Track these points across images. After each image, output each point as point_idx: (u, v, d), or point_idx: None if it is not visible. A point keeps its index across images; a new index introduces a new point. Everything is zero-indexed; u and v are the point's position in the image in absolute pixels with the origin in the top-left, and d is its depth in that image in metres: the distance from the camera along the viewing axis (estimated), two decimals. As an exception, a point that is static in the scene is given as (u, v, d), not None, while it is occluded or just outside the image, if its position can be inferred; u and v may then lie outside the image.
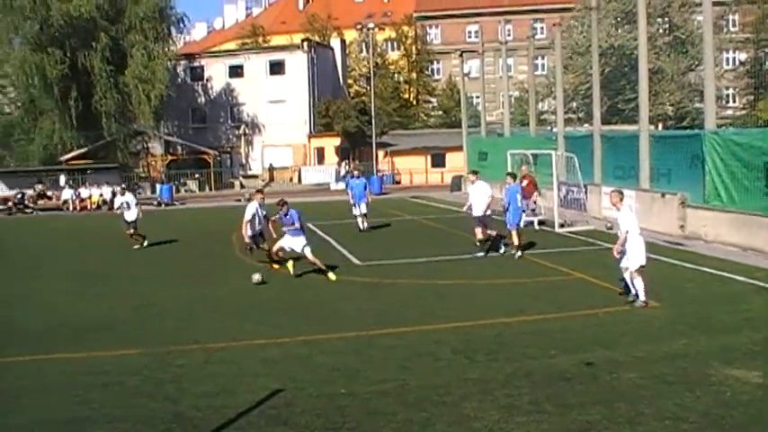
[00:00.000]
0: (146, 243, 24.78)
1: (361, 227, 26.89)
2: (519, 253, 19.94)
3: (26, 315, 14.90)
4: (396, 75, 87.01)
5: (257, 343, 11.88)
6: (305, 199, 48.19)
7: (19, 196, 51.15)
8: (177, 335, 12.77)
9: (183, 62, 73.29)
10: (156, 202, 51.62)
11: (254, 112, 71.39)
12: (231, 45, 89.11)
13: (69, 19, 59.29)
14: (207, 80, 73.23)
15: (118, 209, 25.56)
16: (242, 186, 64.94)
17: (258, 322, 13.45)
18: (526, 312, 13.33)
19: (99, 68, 60.61)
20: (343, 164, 63.92)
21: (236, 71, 72.67)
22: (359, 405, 8.75)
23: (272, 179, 68.41)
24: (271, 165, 69.46)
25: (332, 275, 17.35)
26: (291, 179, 67.32)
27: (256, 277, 16.77)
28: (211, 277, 18.58)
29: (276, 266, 18.67)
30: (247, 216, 19.40)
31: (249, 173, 70.44)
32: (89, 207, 49.83)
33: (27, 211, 49.39)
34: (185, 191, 64.05)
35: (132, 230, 24.83)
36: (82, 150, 61.38)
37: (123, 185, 28.85)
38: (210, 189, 64.79)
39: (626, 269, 13.49)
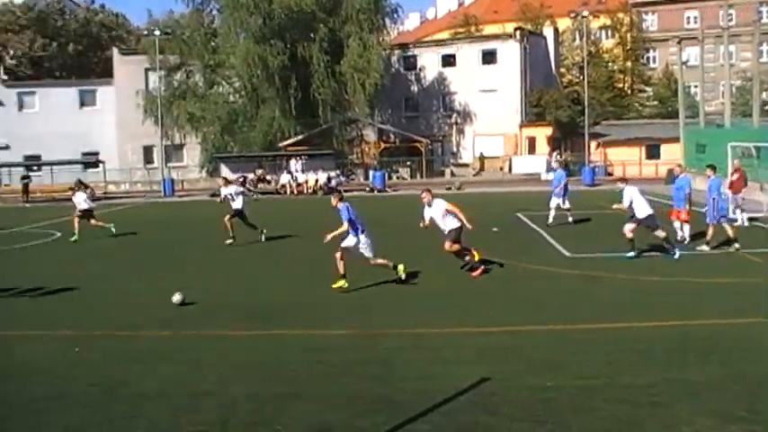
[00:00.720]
0: (232, 239, 24.06)
1: (549, 220, 25.99)
2: (706, 248, 19.60)
3: (245, 292, 15.74)
4: (610, 63, 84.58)
5: (463, 331, 12.03)
6: (514, 188, 48.09)
7: (241, 180, 53.87)
8: (386, 318, 13.16)
9: (396, 52, 74.47)
10: (368, 188, 53.01)
11: (466, 101, 71.54)
12: (444, 35, 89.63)
13: (290, 12, 61.70)
14: (420, 69, 74.06)
15: (223, 200, 25.59)
16: (452, 175, 65.47)
17: (465, 311, 13.60)
18: (743, 313, 12.70)
19: (317, 58, 62.71)
20: (554, 154, 63.12)
21: (448, 60, 73.07)
22: (565, 399, 8.69)
23: (482, 168, 68.51)
24: (481, 154, 69.50)
25: (341, 283, 15.55)
26: (502, 168, 67.10)
27: (176, 297, 14.56)
28: (419, 264, 18.85)
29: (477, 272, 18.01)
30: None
31: (460, 161, 70.83)
32: (305, 191, 51.80)
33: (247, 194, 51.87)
34: (397, 178, 65.21)
35: (229, 217, 24.40)
36: (299, 137, 63.75)
37: (225, 177, 28.63)
38: (422, 177, 65.59)
39: None
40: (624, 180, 20.38)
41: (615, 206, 19.75)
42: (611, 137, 65.15)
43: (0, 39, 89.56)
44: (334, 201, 16.08)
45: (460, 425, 8.02)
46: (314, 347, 11.37)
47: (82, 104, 75.47)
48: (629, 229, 18.88)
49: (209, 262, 21.25)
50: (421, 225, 17.34)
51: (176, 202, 50.04)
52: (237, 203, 24.58)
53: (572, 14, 67.88)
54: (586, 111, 57.54)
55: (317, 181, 52.75)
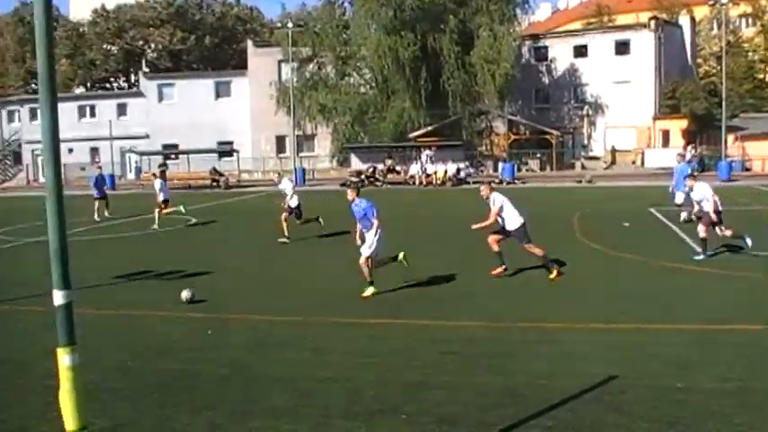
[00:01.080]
0: (286, 237, 23.29)
1: (681, 217, 24.82)
2: None
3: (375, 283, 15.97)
4: (750, 53, 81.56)
5: (591, 327, 11.85)
6: (647, 183, 47.00)
7: (371, 170, 54.61)
8: (514, 310, 13.09)
9: (527, 43, 73.74)
10: (497, 180, 52.76)
11: (598, 93, 70.23)
12: (575, 25, 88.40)
13: (421, 4, 61.93)
14: (551, 60, 73.10)
15: (280, 194, 25.03)
16: (583, 167, 64.52)
17: (592, 306, 13.41)
18: None
19: (447, 50, 62.74)
20: (689, 148, 61.39)
21: (580, 51, 71.87)
22: (696, 402, 8.45)
23: (613, 161, 67.29)
24: (613, 147, 68.24)
25: (368, 291, 14.63)
26: (634, 162, 65.76)
27: (185, 294, 14.23)
28: (551, 257, 18.69)
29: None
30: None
31: (591, 154, 69.71)
32: (434, 182, 51.98)
33: (377, 183, 52.52)
34: (527, 170, 64.73)
35: (286, 215, 23.75)
36: (429, 128, 63.96)
37: (279, 172, 27.87)
38: (552, 169, 64.92)
39: None
40: (693, 177, 19.81)
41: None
42: (749, 130, 62.80)
43: (142, 33, 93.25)
44: (350, 195, 14.99)
45: (587, 422, 7.93)
46: (440, 338, 11.44)
47: (217, 95, 77.79)
48: (721, 229, 18.36)
49: (338, 250, 21.58)
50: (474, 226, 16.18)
51: (306, 191, 50.91)
52: (293, 200, 23.92)
53: (710, 2, 65.65)
54: (724, 103, 55.63)
55: (445, 172, 52.86)
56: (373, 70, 66.75)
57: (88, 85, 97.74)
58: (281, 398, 8.88)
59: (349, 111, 67.36)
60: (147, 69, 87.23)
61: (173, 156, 68.90)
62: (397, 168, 56.66)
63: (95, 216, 31.46)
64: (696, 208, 18.98)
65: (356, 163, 58.73)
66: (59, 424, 5.86)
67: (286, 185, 24.39)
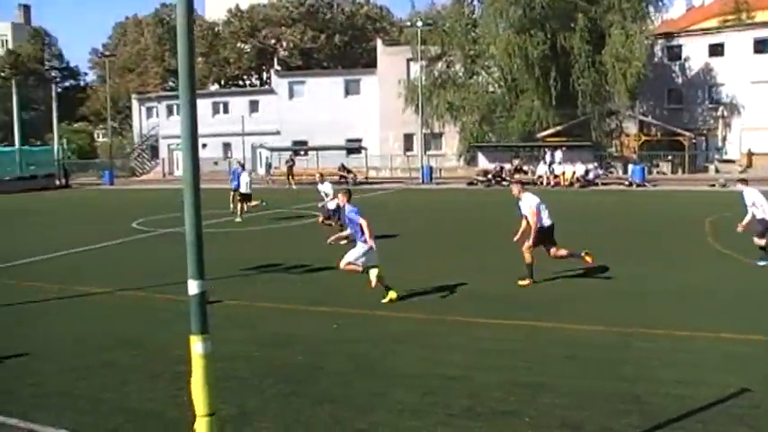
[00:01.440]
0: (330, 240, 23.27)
1: None
2: None
3: (493, 281, 15.88)
4: None
5: (723, 336, 11.47)
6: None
7: (498, 169, 54.34)
8: (643, 316, 12.82)
9: (660, 41, 71.80)
10: (626, 182, 51.79)
11: (734, 93, 67.75)
12: (711, 23, 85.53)
13: (551, 2, 61.17)
14: (684, 59, 71.00)
15: (321, 199, 24.72)
16: (716, 171, 62.50)
17: (725, 314, 12.99)
18: None
19: (578, 48, 61.69)
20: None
21: (715, 50, 69.50)
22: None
23: (749, 165, 64.95)
24: (749, 149, 65.86)
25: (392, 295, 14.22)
26: (772, 165, 63.39)
27: None
28: (680, 262, 18.26)
29: None
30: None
31: (725, 157, 67.43)
32: (562, 183, 51.33)
33: (504, 183, 52.21)
34: (657, 173, 63.20)
35: (323, 218, 23.66)
36: (557, 128, 63.16)
37: (320, 174, 27.11)
38: (683, 172, 63.16)
39: None
40: (744, 181, 18.80)
41: (740, 228, 17.91)
42: None
43: (275, 32, 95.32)
44: (342, 200, 14.73)
45: (717, 435, 7.74)
46: (563, 341, 11.34)
47: (347, 93, 78.64)
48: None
49: (465, 249, 21.56)
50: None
51: (434, 189, 51.15)
52: (332, 203, 23.31)
53: None
54: None
55: (573, 173, 52.13)
56: (502, 69, 66.29)
57: (222, 82, 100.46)
58: (403, 394, 8.98)
59: (477, 109, 67.21)
60: (278, 67, 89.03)
61: (302, 152, 70.16)
62: (525, 168, 56.20)
63: (231, 208, 32.04)
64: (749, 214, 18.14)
65: (483, 162, 58.55)
66: (189, 409, 6.09)
67: (327, 188, 24.38)
